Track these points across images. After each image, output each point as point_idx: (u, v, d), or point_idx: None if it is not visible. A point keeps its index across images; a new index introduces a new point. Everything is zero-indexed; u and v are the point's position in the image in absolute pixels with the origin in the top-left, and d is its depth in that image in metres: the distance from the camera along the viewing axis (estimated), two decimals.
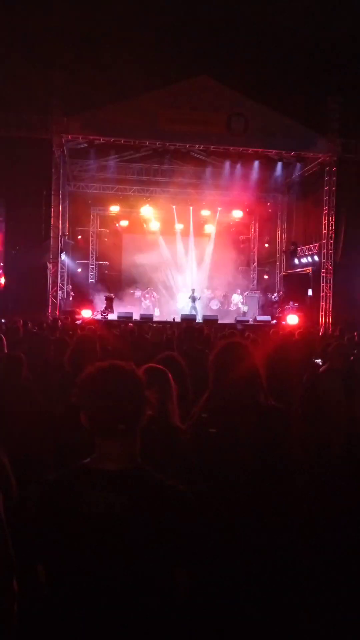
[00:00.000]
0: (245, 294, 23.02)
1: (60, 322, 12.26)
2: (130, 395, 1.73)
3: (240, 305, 22.26)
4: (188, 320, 16.41)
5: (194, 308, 20.36)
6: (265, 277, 24.88)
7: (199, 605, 2.15)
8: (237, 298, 22.60)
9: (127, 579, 1.62)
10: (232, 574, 2.42)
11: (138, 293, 22.26)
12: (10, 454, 2.59)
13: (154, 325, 13.19)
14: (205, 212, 23.12)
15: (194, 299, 20.65)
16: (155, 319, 18.38)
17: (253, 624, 2.42)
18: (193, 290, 20.95)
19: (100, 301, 20.25)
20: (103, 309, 18.80)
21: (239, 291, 22.92)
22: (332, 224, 18.66)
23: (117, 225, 23.47)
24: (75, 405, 1.82)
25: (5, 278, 18.03)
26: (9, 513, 2.03)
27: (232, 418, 2.42)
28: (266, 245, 24.93)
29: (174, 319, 17.48)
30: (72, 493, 1.67)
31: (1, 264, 18.57)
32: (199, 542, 1.74)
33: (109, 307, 18.89)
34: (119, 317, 17.54)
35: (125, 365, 1.80)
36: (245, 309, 21.86)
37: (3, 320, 12.79)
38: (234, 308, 22.12)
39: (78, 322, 14.17)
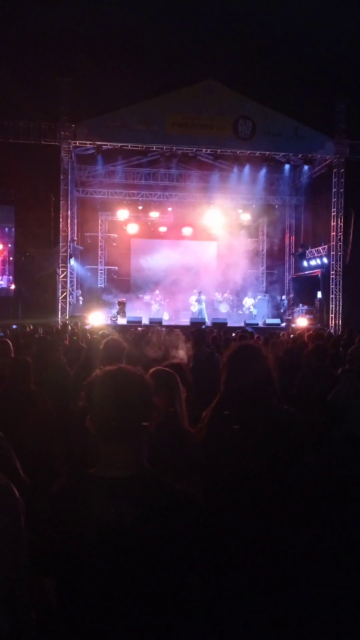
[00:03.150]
0: (256, 297, 22.92)
1: (70, 327, 12.29)
2: (137, 400, 1.69)
3: (253, 308, 22.10)
4: (197, 323, 16.40)
5: (202, 311, 20.33)
6: (274, 280, 24.80)
7: (212, 611, 2.13)
8: (249, 301, 22.45)
9: (139, 587, 1.59)
10: (244, 579, 2.39)
11: (147, 297, 22.28)
12: (18, 458, 2.59)
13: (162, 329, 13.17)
14: (213, 216, 23.11)
15: (199, 302, 20.63)
16: (164, 322, 18.38)
17: (266, 630, 2.39)
18: (199, 293, 20.93)
19: (109, 306, 20.29)
20: (115, 313, 18.84)
21: (250, 294, 22.81)
22: (340, 225, 18.58)
23: (124, 229, 23.52)
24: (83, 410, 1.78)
25: (15, 283, 18.12)
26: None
27: (243, 421, 2.40)
28: (275, 247, 24.86)
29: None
30: (80, 503, 1.63)
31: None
32: (210, 547, 1.70)
33: (122, 312, 18.93)
34: (128, 321, 17.55)
35: (133, 370, 1.77)
36: (256, 312, 21.77)
37: (15, 327, 12.85)
38: (247, 312, 21.96)
39: (87, 326, 14.19)
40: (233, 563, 2.31)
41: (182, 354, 5.29)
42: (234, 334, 10.43)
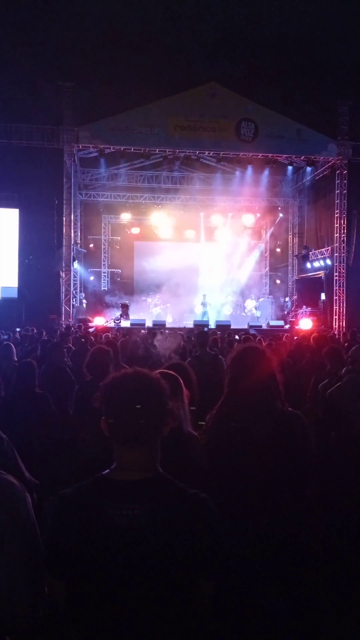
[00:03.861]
0: (259, 299, 22.91)
1: (73, 330, 12.31)
2: (154, 404, 1.68)
3: (254, 310, 22.12)
4: (200, 326, 16.40)
5: (206, 314, 20.35)
6: (278, 281, 24.79)
7: (225, 615, 2.13)
8: (251, 303, 22.49)
9: (151, 591, 1.58)
10: (256, 582, 2.39)
11: (150, 300, 22.29)
12: (22, 461, 2.59)
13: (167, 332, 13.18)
14: (216, 218, 23.12)
15: (204, 305, 20.67)
16: (167, 325, 18.38)
17: (279, 634, 2.39)
18: (204, 296, 20.97)
19: (112, 309, 20.31)
20: (118, 316, 18.86)
21: (252, 296, 22.82)
22: (344, 227, 18.57)
23: (128, 232, 23.55)
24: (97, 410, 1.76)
25: (19, 287, 18.17)
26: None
27: (247, 424, 2.40)
28: (278, 250, 24.86)
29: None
30: (93, 506, 1.62)
31: None
32: (222, 552, 1.70)
33: (125, 314, 18.95)
34: (131, 324, 17.57)
35: (150, 374, 1.76)
36: (259, 314, 21.76)
37: (18, 329, 12.88)
38: (249, 314, 21.98)
39: (91, 329, 14.21)
40: (240, 567, 2.30)
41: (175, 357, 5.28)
42: (237, 337, 10.42)
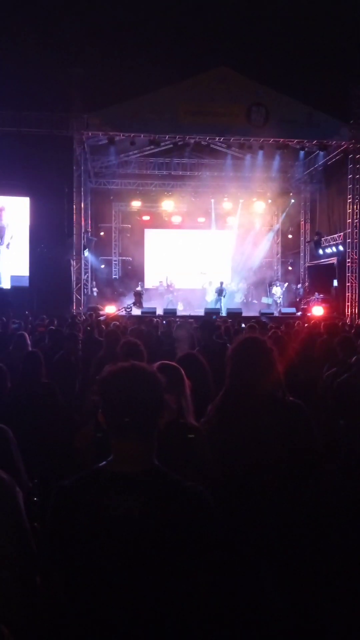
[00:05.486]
0: (271, 286, 22.63)
1: (83, 319, 12.34)
2: (150, 397, 1.71)
3: (278, 297, 21.70)
4: (211, 313, 16.38)
5: (219, 301, 20.28)
6: (290, 268, 24.63)
7: (221, 607, 2.14)
8: (278, 291, 21.88)
9: (147, 583, 1.60)
10: (258, 575, 2.39)
11: (161, 288, 22.28)
12: (28, 452, 2.61)
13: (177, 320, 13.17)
14: (227, 205, 22.96)
15: (220, 292, 20.52)
16: (179, 313, 18.38)
17: (277, 627, 2.39)
18: (221, 283, 20.79)
19: (123, 297, 20.34)
20: (131, 303, 18.89)
21: (277, 283, 22.50)
22: (357, 212, 18.33)
23: (138, 219, 23.49)
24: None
25: (30, 276, 18.25)
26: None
27: (248, 415, 2.39)
28: (290, 236, 24.65)
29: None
30: (90, 497, 1.65)
31: None
32: (218, 544, 1.71)
33: (138, 303, 18.98)
34: (142, 312, 17.58)
35: (147, 367, 1.79)
36: (280, 300, 21.50)
37: (30, 318, 12.94)
38: (278, 300, 21.62)
39: (102, 317, 14.25)
40: (241, 558, 2.31)
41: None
42: (243, 325, 10.35)
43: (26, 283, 18.11)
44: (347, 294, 18.54)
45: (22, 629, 1.64)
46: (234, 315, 16.05)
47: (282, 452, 2.40)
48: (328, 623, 2.86)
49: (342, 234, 19.24)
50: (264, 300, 22.17)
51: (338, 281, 19.52)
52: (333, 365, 5.16)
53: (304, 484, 2.49)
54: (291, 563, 2.42)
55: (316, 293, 20.24)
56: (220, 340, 6.20)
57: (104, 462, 1.73)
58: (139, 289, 20.61)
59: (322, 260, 21.36)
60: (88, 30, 17.06)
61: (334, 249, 19.92)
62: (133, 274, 23.52)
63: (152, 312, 17.34)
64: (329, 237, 20.71)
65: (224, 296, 20.42)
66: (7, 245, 18.44)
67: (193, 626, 1.66)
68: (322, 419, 4.67)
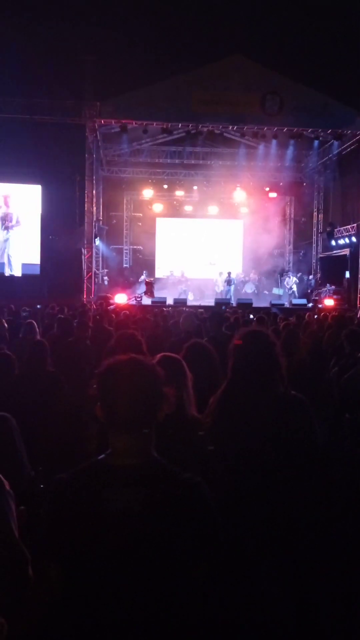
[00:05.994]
0: (283, 277, 22.48)
1: (93, 307, 12.37)
2: (149, 390, 1.70)
3: (295, 287, 21.57)
4: (222, 304, 16.34)
5: (229, 291, 20.24)
6: (301, 259, 24.45)
7: (220, 599, 2.14)
8: (291, 281, 21.84)
9: (145, 576, 1.60)
10: (259, 569, 2.39)
11: (172, 278, 22.25)
12: (33, 440, 2.63)
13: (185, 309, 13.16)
14: (239, 194, 22.80)
15: (229, 282, 20.52)
16: (189, 302, 18.36)
17: (276, 619, 2.40)
18: (229, 274, 20.79)
19: (134, 286, 20.34)
20: (142, 293, 18.90)
21: (290, 273, 22.37)
22: None
23: (150, 208, 23.42)
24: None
25: (41, 264, 18.30)
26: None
27: (248, 409, 2.39)
28: (302, 226, 24.44)
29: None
30: (89, 491, 1.65)
31: None
32: (217, 538, 1.71)
33: (150, 292, 18.98)
34: (152, 302, 17.59)
35: (145, 360, 1.78)
36: (295, 289, 21.36)
37: (39, 306, 12.99)
38: (290, 292, 21.52)
39: (111, 307, 14.27)
40: (241, 552, 2.31)
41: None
42: (252, 316, 10.28)
43: (37, 271, 18.16)
44: (359, 286, 18.38)
45: (14, 621, 1.65)
46: (244, 306, 16.00)
47: (281, 446, 2.40)
48: (328, 622, 2.87)
49: (355, 224, 19.04)
50: (275, 291, 22.07)
51: (350, 273, 19.36)
52: (340, 359, 5.13)
53: (304, 478, 2.48)
54: (292, 558, 2.41)
55: (328, 284, 20.09)
56: (229, 332, 6.17)
57: (103, 455, 1.72)
58: (143, 277, 20.59)
59: (335, 252, 21.17)
60: (101, 17, 16.94)
61: (347, 240, 19.73)
62: (144, 262, 23.51)
63: (163, 302, 17.34)
64: (342, 227, 20.50)
65: (232, 285, 20.40)
66: (8, 230, 18.35)
67: (192, 622, 1.67)
68: (328, 413, 4.66)
